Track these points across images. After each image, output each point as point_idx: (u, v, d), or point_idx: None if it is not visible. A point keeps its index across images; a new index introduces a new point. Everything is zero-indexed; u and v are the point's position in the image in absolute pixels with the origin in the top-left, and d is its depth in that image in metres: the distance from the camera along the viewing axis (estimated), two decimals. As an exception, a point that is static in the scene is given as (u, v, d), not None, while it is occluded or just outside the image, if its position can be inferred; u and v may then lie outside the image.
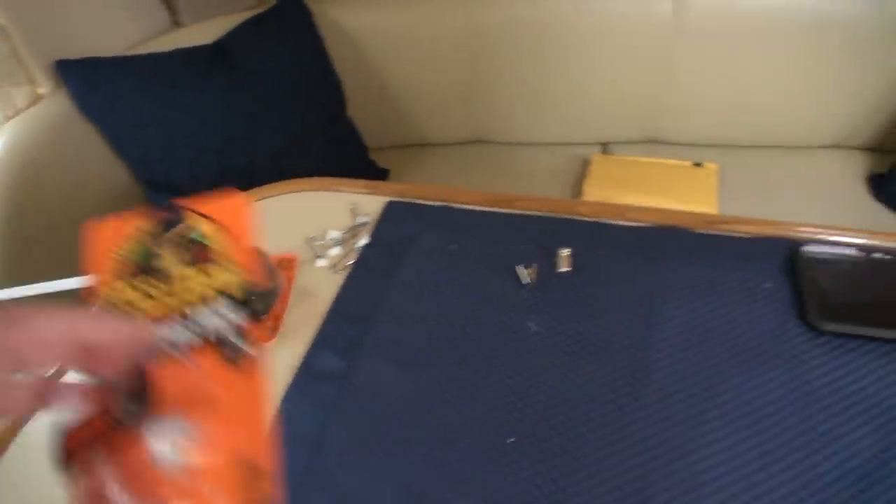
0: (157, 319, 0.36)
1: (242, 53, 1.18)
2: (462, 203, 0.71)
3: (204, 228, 0.41)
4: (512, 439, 0.50)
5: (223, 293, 0.38)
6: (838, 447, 0.48)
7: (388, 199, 0.73)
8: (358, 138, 1.38)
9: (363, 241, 0.68)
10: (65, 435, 0.33)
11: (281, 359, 0.58)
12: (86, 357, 0.31)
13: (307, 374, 0.57)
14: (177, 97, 1.15)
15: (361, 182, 0.75)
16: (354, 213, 0.72)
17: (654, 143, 1.42)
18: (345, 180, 0.76)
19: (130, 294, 0.38)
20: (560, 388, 0.54)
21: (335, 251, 0.68)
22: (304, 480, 0.49)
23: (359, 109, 1.37)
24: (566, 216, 0.68)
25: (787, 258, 0.62)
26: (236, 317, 0.37)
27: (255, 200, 0.76)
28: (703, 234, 0.65)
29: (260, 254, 0.62)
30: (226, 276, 0.39)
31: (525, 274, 0.62)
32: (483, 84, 1.37)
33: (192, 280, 0.39)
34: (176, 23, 1.27)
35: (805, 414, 0.51)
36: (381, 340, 0.59)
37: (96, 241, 0.41)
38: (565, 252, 0.63)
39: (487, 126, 1.45)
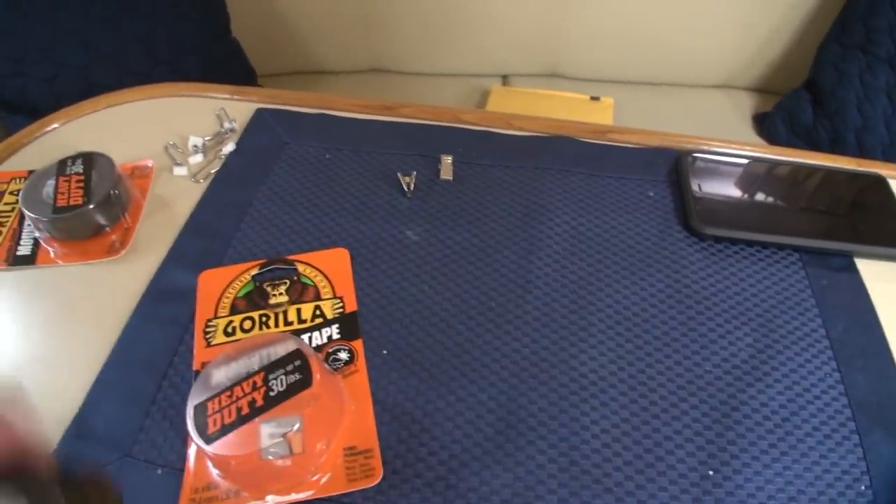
0: (269, 340, 0.42)
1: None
2: (339, 110, 0.66)
3: (309, 273, 0.51)
4: (385, 351, 0.47)
5: (323, 318, 0.48)
6: (717, 349, 0.48)
7: (258, 105, 0.66)
8: (244, 62, 1.27)
9: (229, 148, 0.61)
10: None
11: (130, 274, 0.52)
12: None
13: (157, 292, 0.51)
14: (31, 4, 1.02)
15: (230, 87, 0.68)
16: (221, 118, 0.64)
17: (553, 76, 1.40)
18: (211, 85, 0.68)
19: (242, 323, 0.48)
20: (439, 297, 0.50)
21: (196, 159, 0.61)
22: (152, 411, 0.44)
23: (246, 29, 1.26)
24: (450, 124, 0.64)
25: (671, 168, 0.61)
26: (333, 335, 0.47)
27: (109, 106, 0.67)
28: (589, 144, 0.63)
29: (104, 164, 0.55)
30: (323, 307, 0.49)
31: (404, 182, 0.57)
32: (380, 8, 1.30)
33: (297, 310, 0.49)
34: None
35: (686, 317, 0.50)
36: (244, 254, 0.53)
37: (207, 284, 0.51)
38: (448, 159, 0.59)
39: (385, 54, 1.38)
